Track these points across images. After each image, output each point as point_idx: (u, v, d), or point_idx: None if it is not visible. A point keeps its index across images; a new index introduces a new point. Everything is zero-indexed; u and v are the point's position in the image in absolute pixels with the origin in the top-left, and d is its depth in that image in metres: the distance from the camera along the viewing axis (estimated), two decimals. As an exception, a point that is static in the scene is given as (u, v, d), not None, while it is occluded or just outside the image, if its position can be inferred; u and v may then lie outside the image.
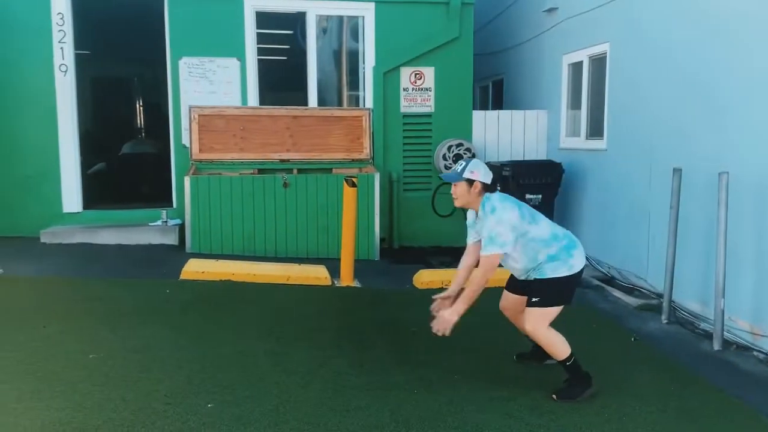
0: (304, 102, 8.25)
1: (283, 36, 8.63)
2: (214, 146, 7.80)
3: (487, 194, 3.84)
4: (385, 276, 6.85)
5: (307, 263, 6.89)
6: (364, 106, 8.36)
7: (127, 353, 4.10)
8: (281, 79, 8.73)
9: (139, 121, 11.60)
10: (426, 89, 8.34)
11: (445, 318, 3.74)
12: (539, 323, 3.78)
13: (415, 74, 8.31)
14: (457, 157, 8.15)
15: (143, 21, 8.20)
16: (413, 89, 8.32)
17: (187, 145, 7.79)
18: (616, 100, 6.91)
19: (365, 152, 8.04)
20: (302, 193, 7.43)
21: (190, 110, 7.66)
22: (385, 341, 4.64)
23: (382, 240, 7.89)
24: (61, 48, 7.60)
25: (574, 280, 3.89)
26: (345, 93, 8.72)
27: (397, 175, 8.28)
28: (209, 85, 7.92)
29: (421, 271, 6.53)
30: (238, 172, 7.70)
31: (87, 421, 3.17)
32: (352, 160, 8.03)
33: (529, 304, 3.83)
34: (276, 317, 5.06)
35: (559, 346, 3.80)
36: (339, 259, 6.41)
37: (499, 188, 4.00)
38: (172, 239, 7.61)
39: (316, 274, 6.28)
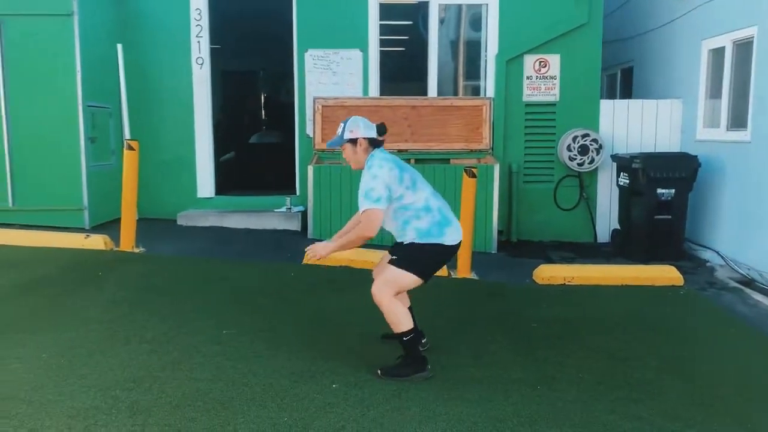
0: (423, 92, 8.26)
1: (403, 26, 8.67)
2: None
3: (374, 151, 3.73)
4: (503, 269, 6.73)
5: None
6: (484, 95, 8.23)
7: (256, 331, 4.30)
8: (401, 70, 8.78)
9: (266, 112, 12.07)
10: (551, 77, 8.07)
11: (318, 247, 3.78)
12: (386, 287, 3.62)
13: (540, 62, 8.06)
14: (583, 149, 7.84)
15: (272, 15, 8.53)
16: (537, 77, 8.08)
17: (311, 135, 8.05)
18: (764, 87, 6.34)
19: (485, 142, 7.93)
20: (421, 183, 7.45)
21: (314, 101, 7.89)
22: (504, 336, 4.55)
23: (499, 233, 7.75)
24: (198, 42, 8.09)
25: (442, 252, 3.73)
26: (464, 82, 8.63)
27: (517, 166, 8.09)
28: (333, 77, 8.12)
29: (542, 266, 6.35)
30: (359, 162, 7.84)
31: (223, 393, 3.37)
32: (471, 150, 7.95)
33: (390, 260, 3.73)
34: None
35: (400, 318, 3.63)
36: (456, 250, 6.37)
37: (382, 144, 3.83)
38: (295, 225, 7.90)
39: (434, 264, 6.26)
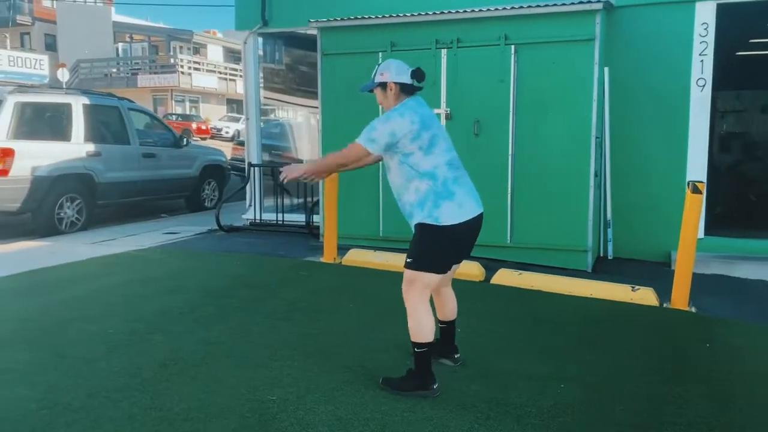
0: None
1: None
2: None
3: (406, 99, 3.47)
4: None
5: None
6: None
7: None
8: None
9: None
10: None
11: (292, 167, 3.61)
12: (409, 287, 3.38)
13: None
14: None
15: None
16: None
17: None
18: None
19: None
20: None
21: None
22: None
23: None
24: (701, 60, 7.02)
25: (444, 236, 3.31)
26: None
27: None
28: None
29: None
30: None
31: None
32: None
33: (405, 264, 3.45)
34: None
35: (420, 327, 3.35)
36: None
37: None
38: (829, 280, 6.39)
39: None
